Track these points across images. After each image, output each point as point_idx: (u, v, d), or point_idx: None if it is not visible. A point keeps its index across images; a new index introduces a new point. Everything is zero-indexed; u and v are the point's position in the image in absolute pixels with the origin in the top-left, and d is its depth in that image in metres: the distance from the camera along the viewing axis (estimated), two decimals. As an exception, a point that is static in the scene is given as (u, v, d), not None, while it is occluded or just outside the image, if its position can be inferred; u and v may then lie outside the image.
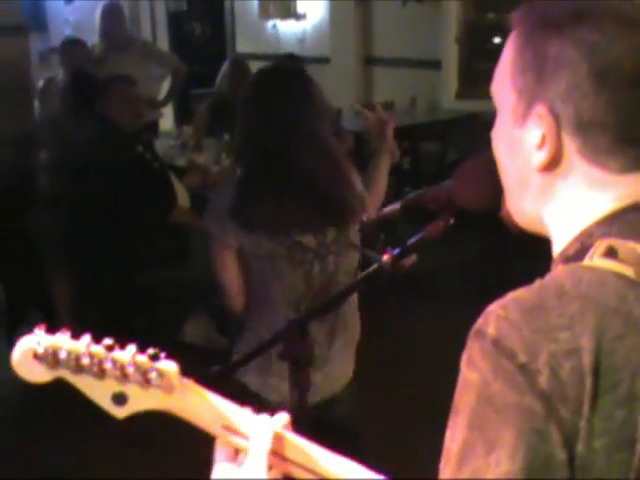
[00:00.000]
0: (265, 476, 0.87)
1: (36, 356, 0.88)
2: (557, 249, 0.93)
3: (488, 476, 0.76)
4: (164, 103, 6.31)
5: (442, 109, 7.15)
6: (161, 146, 5.28)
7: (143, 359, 0.87)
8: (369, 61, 7.75)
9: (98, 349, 0.87)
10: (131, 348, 0.88)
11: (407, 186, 6.33)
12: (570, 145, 0.90)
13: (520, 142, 0.94)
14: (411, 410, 3.66)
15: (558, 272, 0.88)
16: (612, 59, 0.86)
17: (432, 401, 2.34)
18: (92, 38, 6.14)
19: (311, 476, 0.89)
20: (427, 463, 0.92)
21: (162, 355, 0.87)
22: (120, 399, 0.88)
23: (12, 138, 4.88)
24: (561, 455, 0.76)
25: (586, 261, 0.85)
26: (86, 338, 0.88)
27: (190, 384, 0.90)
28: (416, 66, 7.29)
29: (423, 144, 7.01)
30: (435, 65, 7.26)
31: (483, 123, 6.32)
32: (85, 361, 0.87)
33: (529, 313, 0.80)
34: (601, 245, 0.86)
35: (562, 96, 0.89)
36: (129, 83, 4.25)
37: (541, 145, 0.91)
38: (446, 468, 0.80)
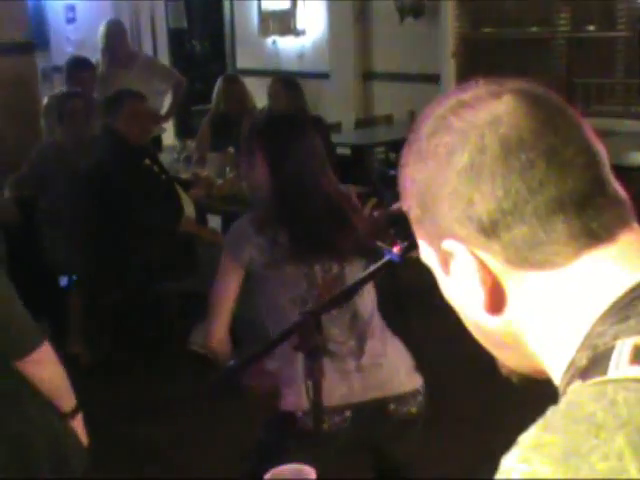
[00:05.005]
0: None
1: None
2: (559, 367, 0.75)
3: None
4: (167, 117, 6.43)
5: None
6: (164, 160, 5.38)
7: None
8: (368, 76, 7.89)
9: None
10: None
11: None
12: None
13: None
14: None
15: (577, 396, 0.67)
16: None
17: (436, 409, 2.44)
18: (94, 56, 6.26)
19: None
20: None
21: None
22: None
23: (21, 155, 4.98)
24: None
25: (611, 373, 0.66)
26: None
27: None
28: (414, 80, 7.42)
29: (422, 157, 7.12)
30: (433, 79, 7.38)
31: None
32: None
33: (563, 464, 0.60)
34: (624, 347, 0.67)
35: None
36: (138, 98, 4.35)
37: None
38: None
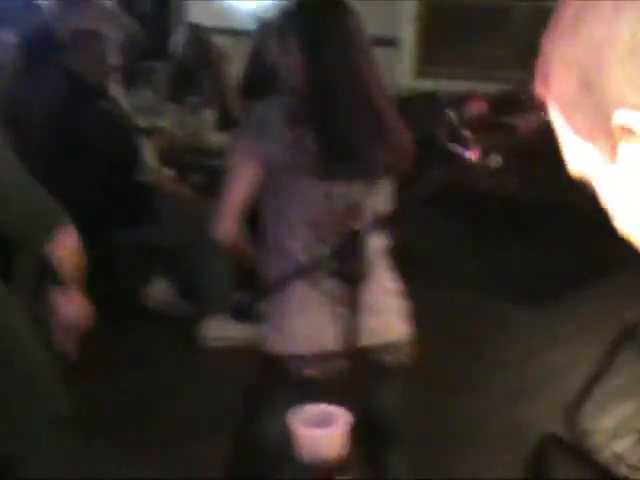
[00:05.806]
0: None
1: None
2: None
3: None
4: (123, 66, 6.13)
5: (399, 87, 7.14)
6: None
7: None
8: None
9: None
10: None
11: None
12: None
13: None
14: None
15: None
16: None
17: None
18: None
19: None
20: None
21: None
22: None
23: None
24: None
25: None
26: None
27: None
28: (373, 44, 7.26)
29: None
30: (390, 43, 7.24)
31: (440, 102, 6.27)
32: None
33: None
34: None
35: None
36: (96, 37, 4.15)
37: None
38: None
